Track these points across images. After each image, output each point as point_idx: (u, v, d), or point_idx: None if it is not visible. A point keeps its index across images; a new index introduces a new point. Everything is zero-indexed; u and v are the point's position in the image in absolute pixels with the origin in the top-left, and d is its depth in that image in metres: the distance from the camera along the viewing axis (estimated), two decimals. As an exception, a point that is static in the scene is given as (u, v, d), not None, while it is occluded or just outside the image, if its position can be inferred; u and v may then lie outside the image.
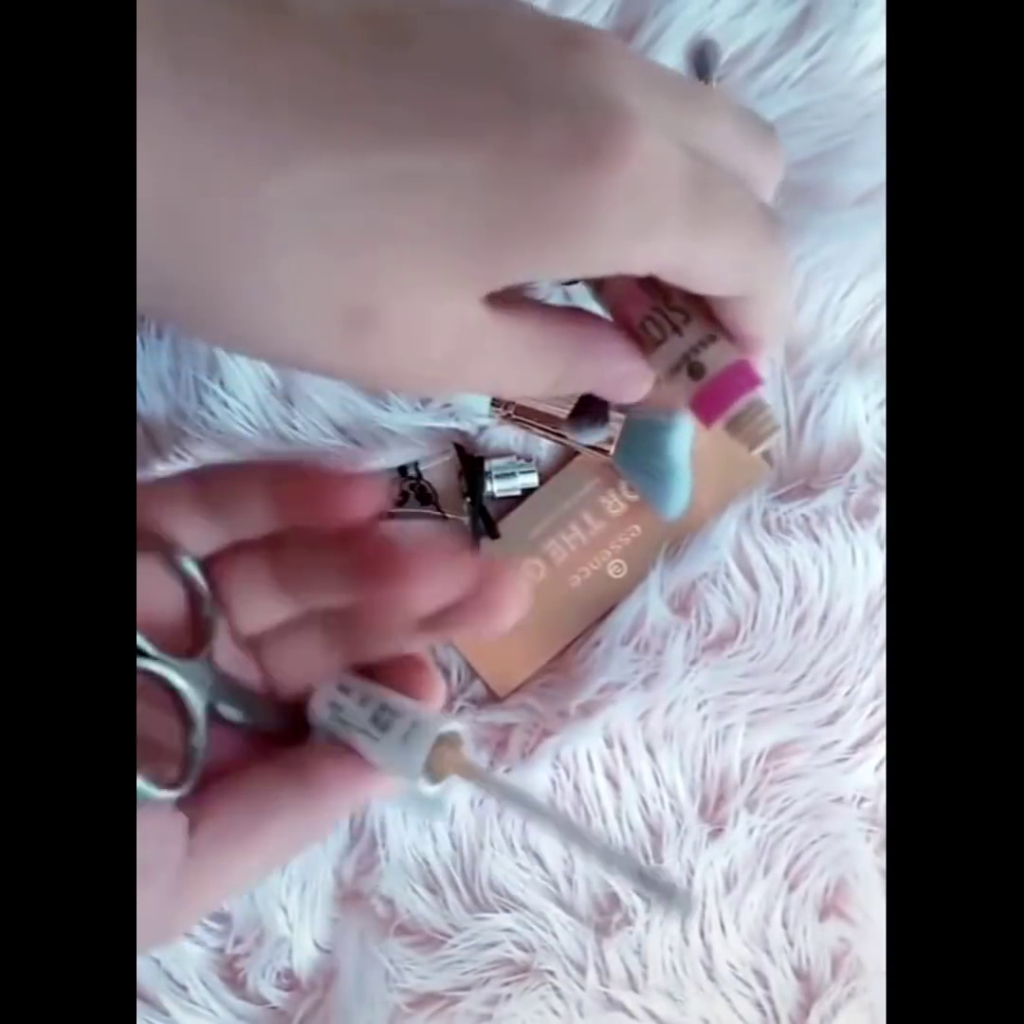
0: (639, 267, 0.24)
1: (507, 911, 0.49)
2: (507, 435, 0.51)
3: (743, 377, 0.27)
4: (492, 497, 0.50)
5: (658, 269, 0.24)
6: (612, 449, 0.49)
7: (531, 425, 0.49)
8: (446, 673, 0.51)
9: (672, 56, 0.50)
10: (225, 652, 0.29)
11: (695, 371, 0.27)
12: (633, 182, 0.22)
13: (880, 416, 0.50)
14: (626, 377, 0.28)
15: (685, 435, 0.49)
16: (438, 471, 0.50)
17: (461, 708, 0.50)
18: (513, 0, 0.24)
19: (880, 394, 0.50)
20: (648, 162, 0.23)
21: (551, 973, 0.48)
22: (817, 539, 0.49)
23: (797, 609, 0.49)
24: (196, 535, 0.27)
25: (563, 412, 0.49)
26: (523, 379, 0.27)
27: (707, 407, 0.27)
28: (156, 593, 0.27)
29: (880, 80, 0.50)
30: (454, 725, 0.28)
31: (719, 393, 0.27)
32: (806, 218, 0.49)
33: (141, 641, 0.25)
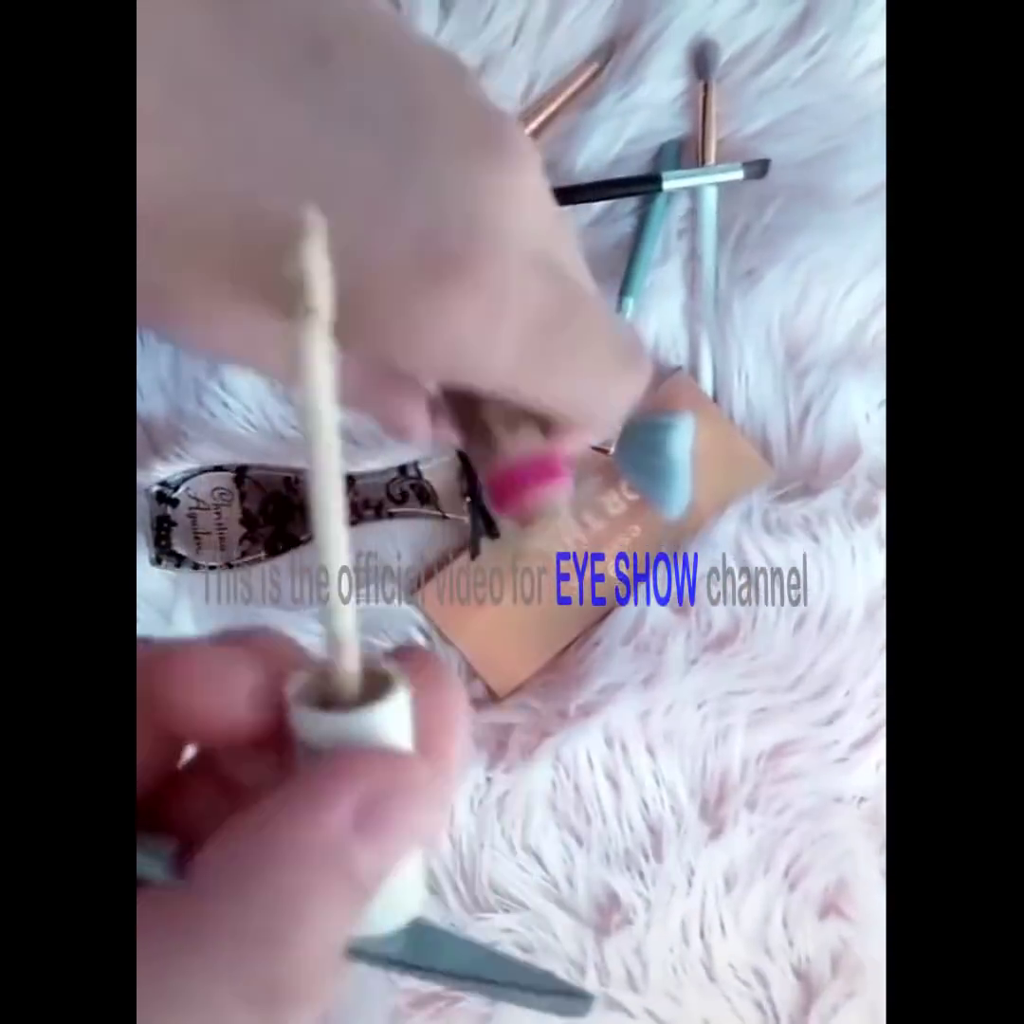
0: (476, 381, 0.24)
1: (507, 912, 0.49)
2: (507, 435, 0.51)
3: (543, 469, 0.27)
4: (492, 497, 0.50)
5: (495, 388, 0.24)
6: (612, 449, 0.49)
7: (531, 425, 0.49)
8: (446, 673, 0.51)
9: (672, 56, 0.50)
10: None
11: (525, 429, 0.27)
12: (480, 303, 0.22)
13: (880, 416, 0.50)
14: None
15: (685, 434, 0.49)
16: (438, 471, 0.50)
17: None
18: (459, 85, 0.23)
19: (880, 394, 0.50)
20: (499, 284, 0.22)
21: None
22: (817, 539, 0.49)
23: (797, 609, 0.49)
24: None
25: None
26: None
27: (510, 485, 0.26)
28: None
29: (879, 80, 0.50)
30: None
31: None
32: (806, 218, 0.49)
33: None
